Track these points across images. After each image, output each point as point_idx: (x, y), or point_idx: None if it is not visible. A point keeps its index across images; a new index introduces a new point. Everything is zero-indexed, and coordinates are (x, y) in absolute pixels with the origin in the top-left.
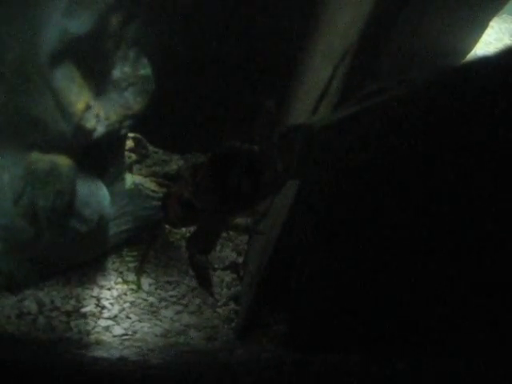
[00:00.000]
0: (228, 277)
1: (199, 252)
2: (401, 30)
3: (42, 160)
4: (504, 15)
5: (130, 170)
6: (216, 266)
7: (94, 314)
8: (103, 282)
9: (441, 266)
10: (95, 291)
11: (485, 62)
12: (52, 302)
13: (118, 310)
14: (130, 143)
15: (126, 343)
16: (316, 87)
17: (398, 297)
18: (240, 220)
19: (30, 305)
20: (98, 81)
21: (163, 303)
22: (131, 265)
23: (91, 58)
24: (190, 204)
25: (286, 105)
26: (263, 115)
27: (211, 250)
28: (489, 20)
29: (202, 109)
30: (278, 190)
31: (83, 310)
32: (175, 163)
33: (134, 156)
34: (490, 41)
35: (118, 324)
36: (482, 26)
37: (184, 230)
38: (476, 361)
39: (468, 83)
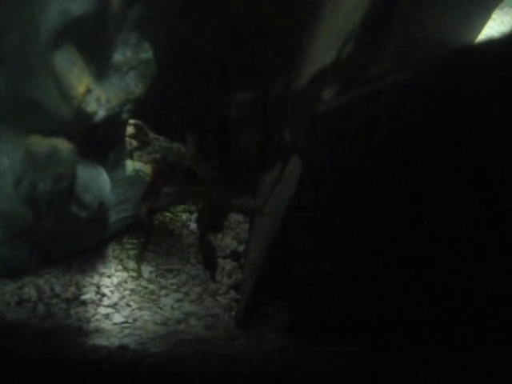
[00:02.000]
0: (229, 265)
1: (210, 230)
2: (403, 19)
3: (41, 144)
4: (506, 8)
5: (131, 157)
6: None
7: (93, 302)
8: (103, 270)
9: (444, 258)
10: (95, 278)
11: (490, 45)
12: (52, 289)
13: (118, 297)
14: (130, 130)
15: (126, 331)
16: None
17: (401, 287)
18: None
19: (30, 292)
20: (99, 64)
21: (164, 291)
22: (131, 252)
23: (92, 41)
24: (191, 173)
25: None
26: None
27: (222, 228)
28: (491, 12)
29: (204, 95)
30: (285, 162)
31: (83, 297)
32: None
33: (134, 142)
34: (492, 33)
35: (118, 312)
36: (484, 18)
37: (184, 217)
38: (477, 355)
39: (474, 66)
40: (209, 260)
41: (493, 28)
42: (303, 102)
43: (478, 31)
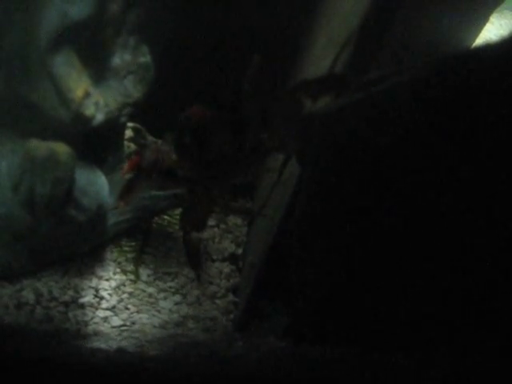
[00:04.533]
0: (227, 268)
1: (192, 229)
2: (401, 21)
3: (40, 147)
4: (504, 11)
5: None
6: (215, 257)
7: (92, 305)
8: (102, 273)
9: (444, 260)
10: (93, 282)
11: (489, 49)
12: (50, 292)
13: (116, 300)
14: (129, 133)
15: (125, 334)
16: (317, 75)
17: (400, 289)
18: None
19: (28, 295)
20: (98, 68)
21: (162, 294)
22: (130, 255)
23: (91, 45)
24: (171, 172)
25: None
26: (250, 71)
27: (204, 227)
28: (489, 14)
29: (202, 99)
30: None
31: (81, 300)
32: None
33: (132, 146)
34: (490, 36)
35: (117, 315)
36: (482, 20)
37: None
38: (477, 359)
39: (471, 70)
40: (193, 259)
41: (491, 31)
42: (284, 105)
43: (476, 34)
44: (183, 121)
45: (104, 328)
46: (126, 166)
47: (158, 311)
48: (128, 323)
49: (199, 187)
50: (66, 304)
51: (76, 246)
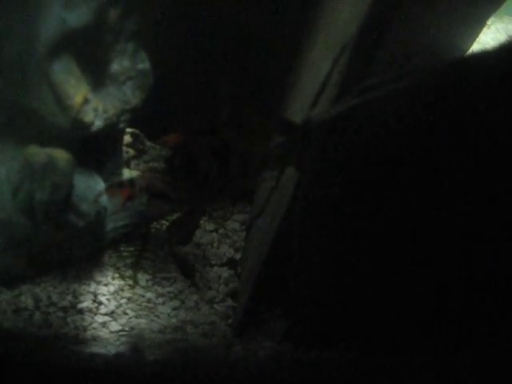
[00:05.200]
0: (225, 273)
1: (178, 242)
2: (399, 26)
3: (38, 153)
4: (502, 15)
5: (128, 166)
6: (213, 262)
7: (90, 310)
8: (100, 278)
9: (446, 262)
10: (92, 287)
11: (487, 54)
12: (49, 297)
13: (114, 305)
14: (127, 138)
15: (123, 339)
16: (315, 81)
17: (397, 294)
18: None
19: (27, 300)
20: (96, 74)
21: (160, 299)
22: (128, 260)
23: (89, 51)
24: (163, 195)
25: (284, 99)
26: (222, 100)
27: (189, 240)
28: (486, 18)
29: (200, 104)
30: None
31: (80, 305)
32: None
33: (131, 151)
34: (487, 40)
35: (115, 320)
36: (479, 24)
37: None
38: (477, 360)
39: (470, 77)
40: (184, 268)
41: (488, 35)
42: (260, 137)
43: (474, 38)
44: (161, 144)
45: (103, 333)
46: (116, 193)
47: (157, 316)
48: (127, 328)
49: (189, 205)
50: (65, 309)
51: (74, 251)
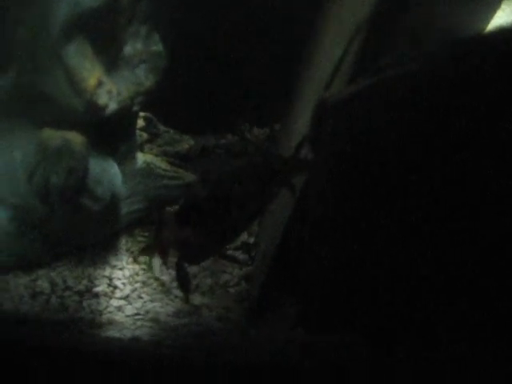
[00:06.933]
0: (240, 257)
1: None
2: (413, 8)
3: (54, 137)
4: None
5: (142, 149)
6: (228, 246)
7: (106, 294)
8: (115, 262)
9: (451, 256)
10: (107, 271)
11: (503, 33)
12: (64, 281)
13: (129, 289)
14: (140, 122)
15: (139, 323)
16: (329, 64)
17: (407, 281)
18: None
19: (43, 284)
20: (110, 57)
21: (175, 283)
22: (143, 245)
23: (103, 34)
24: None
25: (297, 84)
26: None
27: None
28: (500, 1)
29: (213, 89)
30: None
31: (95, 289)
32: (186, 143)
33: (145, 135)
34: (501, 23)
35: (130, 304)
36: (493, 7)
37: None
38: (477, 355)
39: (486, 55)
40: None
41: (501, 18)
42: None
43: (488, 21)
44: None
45: (118, 317)
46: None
47: (171, 300)
48: (142, 312)
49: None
50: (81, 293)
51: (90, 235)
